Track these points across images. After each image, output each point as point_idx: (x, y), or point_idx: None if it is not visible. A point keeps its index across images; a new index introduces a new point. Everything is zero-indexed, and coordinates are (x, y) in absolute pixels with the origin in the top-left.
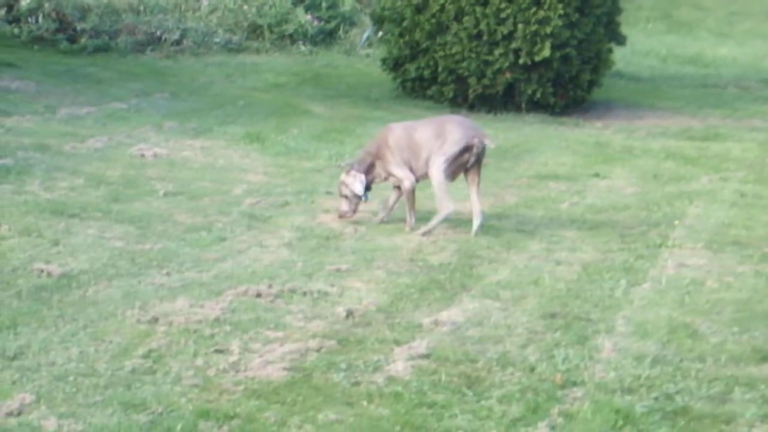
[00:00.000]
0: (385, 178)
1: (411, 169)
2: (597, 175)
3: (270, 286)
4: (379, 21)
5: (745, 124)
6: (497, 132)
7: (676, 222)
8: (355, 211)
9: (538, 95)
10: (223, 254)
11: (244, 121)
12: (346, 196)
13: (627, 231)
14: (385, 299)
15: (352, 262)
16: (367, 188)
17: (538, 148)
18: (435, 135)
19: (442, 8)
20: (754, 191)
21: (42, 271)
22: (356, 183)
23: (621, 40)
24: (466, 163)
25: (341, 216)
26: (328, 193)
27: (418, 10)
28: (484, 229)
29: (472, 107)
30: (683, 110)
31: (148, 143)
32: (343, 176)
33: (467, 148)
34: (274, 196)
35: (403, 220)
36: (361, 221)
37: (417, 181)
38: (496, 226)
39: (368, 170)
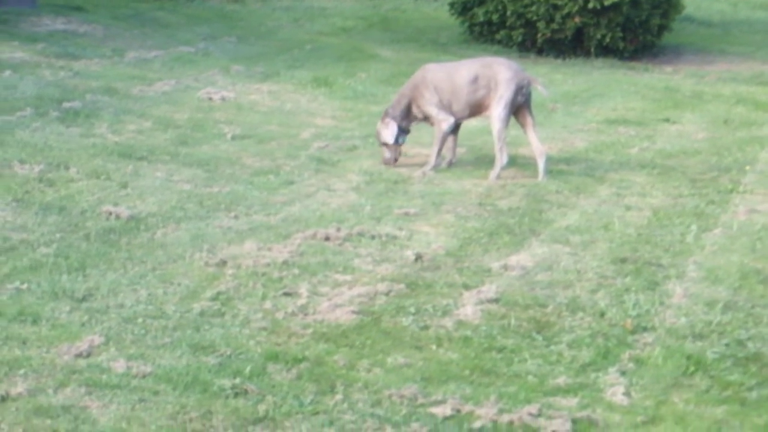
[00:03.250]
0: (423, 119)
1: (450, 112)
2: (667, 120)
3: (338, 230)
4: None
5: None
6: (566, 77)
7: (747, 167)
8: (396, 158)
9: (608, 40)
10: (290, 198)
11: (312, 65)
12: (384, 144)
13: (697, 176)
14: (453, 243)
15: (420, 206)
16: (406, 131)
17: (608, 93)
18: (479, 77)
19: None
20: None
21: (110, 213)
22: (386, 131)
23: None
24: (516, 104)
25: (385, 163)
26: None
27: None
28: (553, 173)
29: (540, 52)
30: (754, 55)
31: (216, 87)
32: (378, 124)
33: (519, 89)
34: (342, 140)
35: (471, 163)
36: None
37: (457, 123)
38: (565, 170)
39: (405, 113)
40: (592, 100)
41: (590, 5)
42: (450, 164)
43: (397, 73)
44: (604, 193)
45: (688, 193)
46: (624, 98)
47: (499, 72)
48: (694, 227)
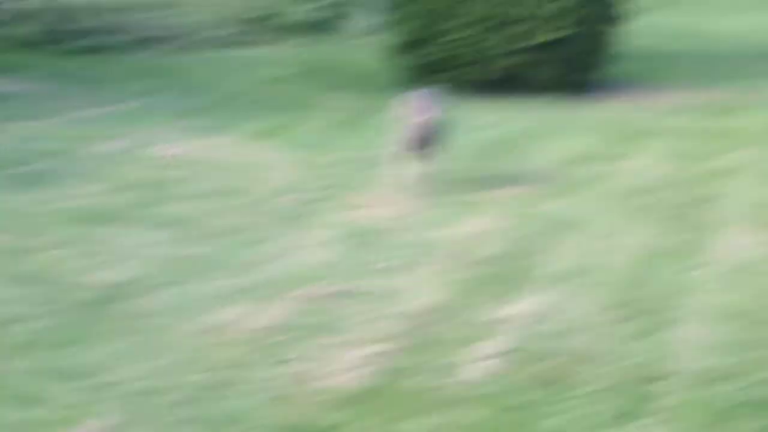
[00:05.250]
0: None
1: None
2: (623, 156)
3: (324, 288)
4: (390, 6)
5: (756, 97)
6: (517, 115)
7: (720, 201)
8: None
9: (554, 76)
10: (268, 256)
11: (258, 117)
12: None
13: (671, 212)
14: (445, 296)
15: (400, 258)
16: None
17: (562, 131)
18: None
19: None
20: None
21: (91, 282)
22: None
23: (628, 17)
24: None
25: None
26: (360, 187)
27: None
28: (527, 215)
29: (484, 90)
30: (692, 86)
31: (166, 143)
32: None
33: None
34: (304, 193)
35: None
36: (398, 216)
37: None
38: (538, 211)
39: None
40: (548, 139)
41: (536, 41)
42: None
43: (343, 121)
44: (583, 235)
45: (670, 230)
46: (579, 135)
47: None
48: (684, 266)
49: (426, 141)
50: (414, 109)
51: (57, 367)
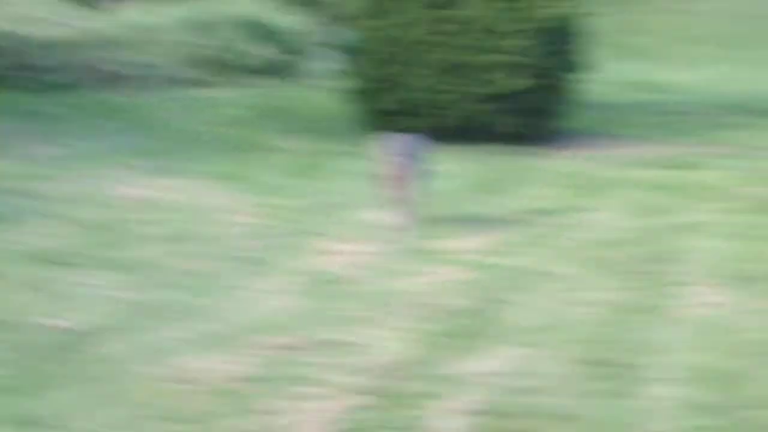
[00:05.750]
0: None
1: None
2: (585, 209)
3: (291, 338)
4: (347, 52)
5: (714, 151)
6: (474, 165)
7: (685, 257)
8: None
9: (509, 126)
10: (232, 303)
11: (216, 158)
12: None
13: (634, 268)
14: (416, 349)
15: (367, 308)
16: None
17: (519, 182)
18: None
19: (416, 38)
20: (747, 222)
21: (47, 327)
22: None
23: (587, 68)
24: None
25: None
26: (322, 234)
27: (391, 40)
28: (492, 268)
29: (445, 139)
30: (651, 138)
31: (125, 184)
32: None
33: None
34: (269, 238)
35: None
36: (363, 265)
37: None
38: (503, 264)
39: None
40: (501, 190)
41: (488, 92)
42: None
43: (302, 165)
44: (548, 288)
45: (635, 286)
46: (536, 186)
47: None
48: (654, 322)
49: (403, 186)
50: (393, 154)
51: (15, 415)
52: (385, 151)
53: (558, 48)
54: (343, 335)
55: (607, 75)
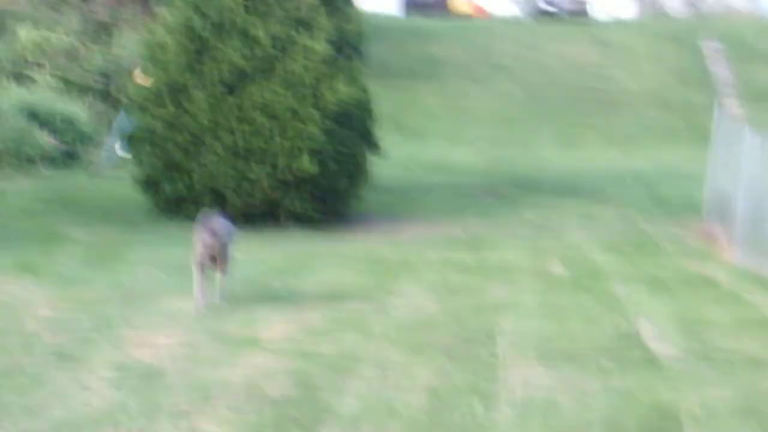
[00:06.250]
0: None
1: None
2: (390, 291)
3: None
4: (130, 140)
5: (506, 231)
6: (267, 249)
7: (498, 337)
8: None
9: (299, 209)
10: (49, 401)
11: (9, 251)
12: None
13: (451, 349)
14: None
15: (188, 400)
16: None
17: (316, 265)
18: None
19: (198, 123)
20: (551, 301)
21: None
22: None
23: (378, 151)
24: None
25: None
26: (127, 325)
27: (172, 126)
28: (308, 356)
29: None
30: (441, 218)
31: None
32: None
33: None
34: (73, 332)
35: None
36: (176, 355)
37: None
38: (316, 351)
39: None
40: (303, 274)
41: (280, 176)
42: None
43: (99, 256)
44: (368, 373)
45: (453, 368)
46: (334, 270)
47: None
48: (479, 406)
49: (215, 259)
50: (204, 229)
51: None
52: (201, 228)
53: (355, 129)
54: (167, 428)
55: (401, 156)
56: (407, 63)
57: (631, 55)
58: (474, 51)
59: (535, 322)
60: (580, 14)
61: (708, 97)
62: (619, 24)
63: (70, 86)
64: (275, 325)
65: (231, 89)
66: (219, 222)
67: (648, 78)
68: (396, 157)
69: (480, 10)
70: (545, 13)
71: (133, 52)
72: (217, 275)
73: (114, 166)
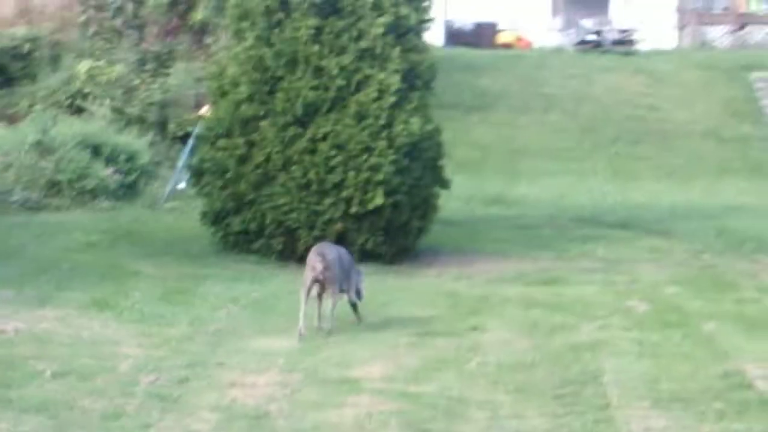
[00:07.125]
0: None
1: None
2: (475, 328)
3: None
4: (197, 173)
5: (575, 265)
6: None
7: (600, 378)
8: None
9: (370, 245)
10: None
11: (82, 287)
12: None
13: (557, 392)
14: None
15: None
16: None
17: (391, 301)
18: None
19: (268, 158)
20: (647, 339)
21: None
22: None
23: (446, 185)
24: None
25: None
26: (219, 364)
27: (242, 160)
28: (405, 395)
29: (301, 260)
30: (509, 253)
31: None
32: None
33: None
34: (168, 372)
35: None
36: (278, 396)
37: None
38: (414, 391)
39: None
40: (382, 310)
41: (352, 210)
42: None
43: (171, 290)
44: (478, 416)
45: (564, 412)
46: (412, 306)
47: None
48: None
49: (322, 285)
50: (314, 254)
51: None
52: (312, 254)
53: (425, 163)
54: None
55: (460, 190)
56: (455, 94)
57: (679, 86)
58: (521, 82)
59: (636, 363)
60: (624, 43)
61: (760, 129)
62: (664, 54)
63: (127, 118)
64: (371, 364)
65: (302, 123)
66: (331, 248)
67: (697, 109)
68: (453, 190)
69: (521, 41)
70: (588, 43)
71: (188, 85)
72: (326, 300)
73: (173, 198)
